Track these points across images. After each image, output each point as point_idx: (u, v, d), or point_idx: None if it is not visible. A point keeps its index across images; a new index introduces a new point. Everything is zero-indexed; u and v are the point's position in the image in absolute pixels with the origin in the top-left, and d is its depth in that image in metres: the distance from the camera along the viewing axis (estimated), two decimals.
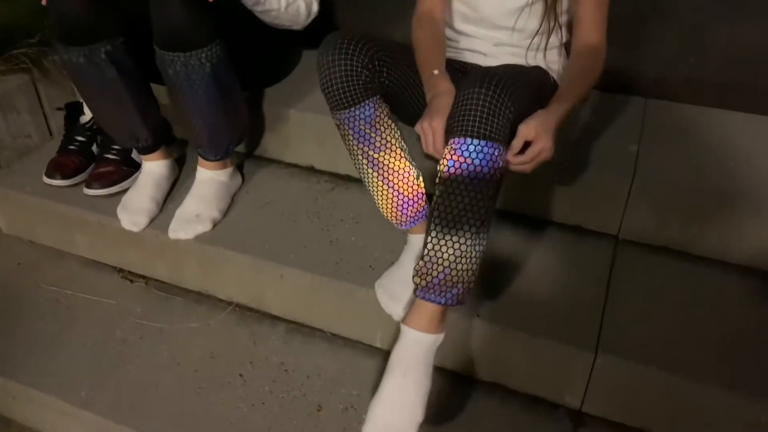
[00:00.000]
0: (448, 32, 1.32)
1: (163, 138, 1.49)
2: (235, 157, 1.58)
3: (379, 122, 1.15)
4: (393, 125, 1.18)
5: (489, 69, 1.11)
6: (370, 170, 1.20)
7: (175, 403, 1.23)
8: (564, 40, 1.27)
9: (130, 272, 1.53)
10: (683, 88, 1.57)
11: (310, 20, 1.51)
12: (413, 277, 1.07)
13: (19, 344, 1.36)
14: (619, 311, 1.20)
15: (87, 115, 1.59)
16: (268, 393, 1.25)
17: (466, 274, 1.05)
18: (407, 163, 1.20)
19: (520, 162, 1.05)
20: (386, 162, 1.18)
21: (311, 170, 1.60)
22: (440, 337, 1.09)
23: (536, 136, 1.03)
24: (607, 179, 1.32)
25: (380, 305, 1.25)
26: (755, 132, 1.43)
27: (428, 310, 1.06)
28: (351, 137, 1.17)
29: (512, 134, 1.04)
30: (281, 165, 1.62)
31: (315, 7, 1.50)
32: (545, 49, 1.25)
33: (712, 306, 1.22)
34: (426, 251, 1.04)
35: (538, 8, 1.22)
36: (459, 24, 1.30)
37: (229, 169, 1.48)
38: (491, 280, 1.27)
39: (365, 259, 1.33)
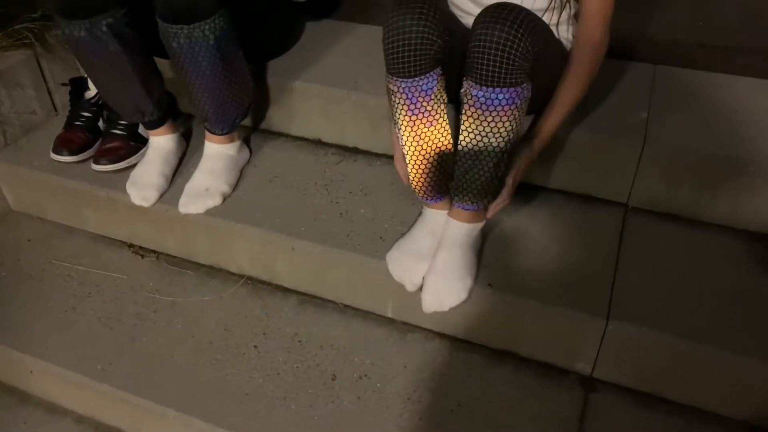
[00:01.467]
0: (455, 11, 1.30)
1: (169, 112, 1.48)
2: (242, 131, 1.57)
3: (437, 96, 1.11)
4: (445, 100, 1.14)
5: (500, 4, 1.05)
6: (413, 142, 1.16)
7: (191, 375, 1.25)
8: (573, 11, 1.25)
9: (140, 247, 1.54)
10: (692, 53, 1.55)
11: None
12: (450, 189, 1.19)
13: (34, 319, 1.37)
14: (629, 278, 1.21)
15: (92, 91, 1.58)
16: (282, 363, 1.27)
17: (496, 187, 1.16)
18: (450, 141, 1.18)
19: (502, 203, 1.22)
20: (432, 137, 1.15)
21: (318, 143, 1.60)
22: (479, 224, 1.24)
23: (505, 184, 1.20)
24: (617, 146, 1.31)
25: (391, 276, 1.26)
26: (766, 97, 1.42)
27: (465, 212, 1.20)
28: (404, 106, 1.12)
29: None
30: (288, 138, 1.62)
31: None
32: (557, 24, 1.23)
33: (722, 272, 1.22)
34: (458, 174, 1.15)
35: None
36: (466, 4, 1.28)
37: (237, 143, 1.47)
38: (502, 248, 1.28)
39: (376, 231, 1.33)
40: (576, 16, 1.24)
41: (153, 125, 1.45)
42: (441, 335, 1.31)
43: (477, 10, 1.26)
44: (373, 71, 1.52)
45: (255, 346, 1.31)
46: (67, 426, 1.33)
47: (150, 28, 1.31)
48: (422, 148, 1.16)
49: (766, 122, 1.34)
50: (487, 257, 1.26)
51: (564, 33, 1.26)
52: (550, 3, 1.20)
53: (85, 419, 1.34)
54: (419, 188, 1.24)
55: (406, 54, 1.06)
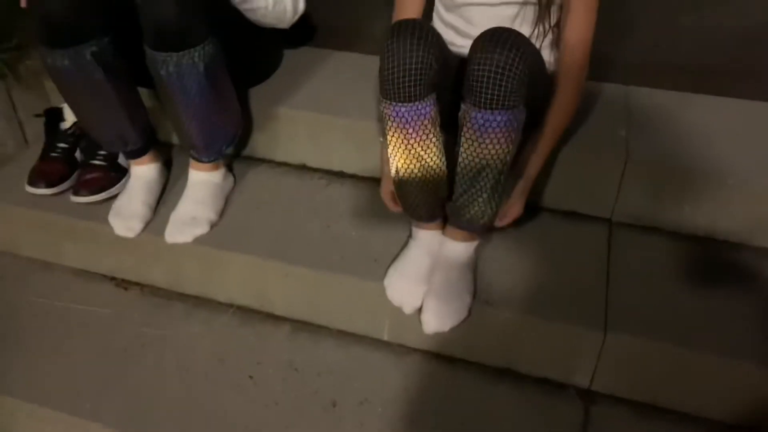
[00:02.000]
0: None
1: (151, 140, 1.46)
2: (226, 158, 1.56)
3: (432, 120, 1.12)
4: (439, 123, 1.15)
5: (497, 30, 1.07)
6: (409, 165, 1.15)
7: (186, 409, 1.21)
8: (553, 37, 1.29)
9: (123, 280, 1.50)
10: (659, 74, 1.62)
11: (296, 18, 1.50)
12: (448, 210, 1.22)
13: (14, 359, 1.31)
14: (622, 290, 1.24)
15: (68, 122, 1.54)
16: (280, 392, 1.25)
17: (489, 212, 1.18)
18: (444, 164, 1.18)
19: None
20: (428, 160, 1.15)
21: (303, 168, 1.59)
22: (475, 243, 1.29)
23: (510, 204, 1.27)
24: (601, 164, 1.36)
25: (387, 298, 1.26)
26: (734, 114, 1.49)
27: (460, 232, 1.25)
28: (399, 131, 1.11)
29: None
30: (272, 164, 1.61)
31: (301, 6, 1.49)
32: (540, 49, 1.28)
33: (708, 280, 1.27)
34: (456, 195, 1.17)
35: (529, 14, 1.24)
36: (453, 37, 1.30)
37: (222, 170, 1.46)
38: (496, 267, 1.30)
39: (369, 253, 1.33)
40: (557, 43, 1.29)
41: (136, 154, 1.42)
42: (438, 356, 1.31)
43: (461, 41, 1.30)
44: (356, 96, 1.54)
45: (251, 377, 1.28)
46: None
47: (134, 56, 1.29)
48: (418, 172, 1.17)
49: (738, 138, 1.41)
50: (483, 275, 1.28)
51: (546, 57, 1.30)
52: (534, 30, 1.25)
53: None
54: (414, 211, 1.24)
55: (405, 79, 1.06)
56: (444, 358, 1.31)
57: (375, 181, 1.53)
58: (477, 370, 1.29)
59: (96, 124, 1.36)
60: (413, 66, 1.05)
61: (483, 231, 1.26)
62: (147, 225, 1.40)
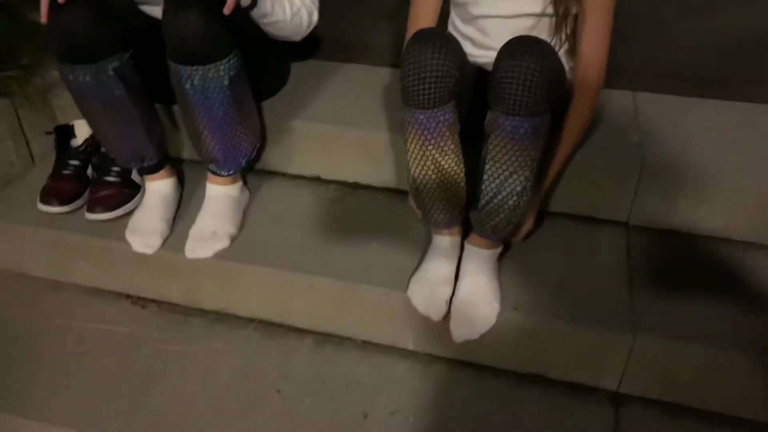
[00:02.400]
0: None
1: (166, 156, 1.45)
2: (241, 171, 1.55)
3: (452, 126, 1.13)
4: (458, 130, 1.16)
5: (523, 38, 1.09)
6: (428, 171, 1.17)
7: (215, 426, 1.19)
8: (567, 47, 1.30)
9: (139, 297, 1.47)
10: (664, 80, 1.66)
11: (309, 30, 1.51)
12: (470, 217, 1.23)
13: (33, 383, 1.28)
14: (645, 293, 1.26)
15: (79, 138, 1.52)
16: (309, 406, 1.23)
17: (515, 219, 1.18)
18: (463, 170, 1.20)
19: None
20: (447, 167, 1.16)
21: (318, 180, 1.59)
22: (499, 249, 1.28)
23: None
24: (617, 169, 1.38)
25: (413, 308, 1.26)
26: (742, 118, 1.52)
27: (485, 240, 1.24)
28: (419, 137, 1.13)
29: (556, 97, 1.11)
30: (286, 177, 1.60)
31: (315, 17, 1.50)
32: None
33: (727, 280, 1.29)
34: (483, 203, 1.17)
35: (545, 25, 1.26)
36: (470, 49, 1.32)
37: (239, 183, 1.45)
38: (520, 273, 1.30)
39: (391, 263, 1.33)
40: (572, 51, 1.31)
41: (152, 170, 1.41)
42: (465, 363, 1.31)
43: (478, 51, 1.31)
44: (366, 107, 1.54)
45: (278, 391, 1.26)
46: None
47: (151, 72, 1.29)
48: (435, 177, 1.18)
49: (748, 140, 1.44)
50: (508, 282, 1.28)
51: (563, 63, 1.32)
52: (551, 40, 1.26)
53: None
54: (433, 217, 1.25)
55: (425, 86, 1.08)
56: (471, 365, 1.31)
57: (390, 192, 1.54)
58: (506, 377, 1.29)
59: (113, 140, 1.34)
60: (433, 73, 1.07)
61: (507, 238, 1.27)
62: (165, 241, 1.38)
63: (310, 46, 1.83)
